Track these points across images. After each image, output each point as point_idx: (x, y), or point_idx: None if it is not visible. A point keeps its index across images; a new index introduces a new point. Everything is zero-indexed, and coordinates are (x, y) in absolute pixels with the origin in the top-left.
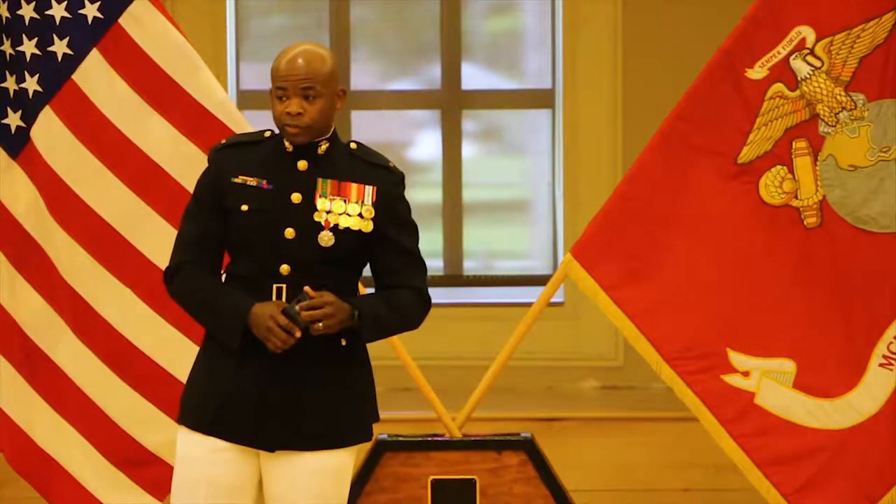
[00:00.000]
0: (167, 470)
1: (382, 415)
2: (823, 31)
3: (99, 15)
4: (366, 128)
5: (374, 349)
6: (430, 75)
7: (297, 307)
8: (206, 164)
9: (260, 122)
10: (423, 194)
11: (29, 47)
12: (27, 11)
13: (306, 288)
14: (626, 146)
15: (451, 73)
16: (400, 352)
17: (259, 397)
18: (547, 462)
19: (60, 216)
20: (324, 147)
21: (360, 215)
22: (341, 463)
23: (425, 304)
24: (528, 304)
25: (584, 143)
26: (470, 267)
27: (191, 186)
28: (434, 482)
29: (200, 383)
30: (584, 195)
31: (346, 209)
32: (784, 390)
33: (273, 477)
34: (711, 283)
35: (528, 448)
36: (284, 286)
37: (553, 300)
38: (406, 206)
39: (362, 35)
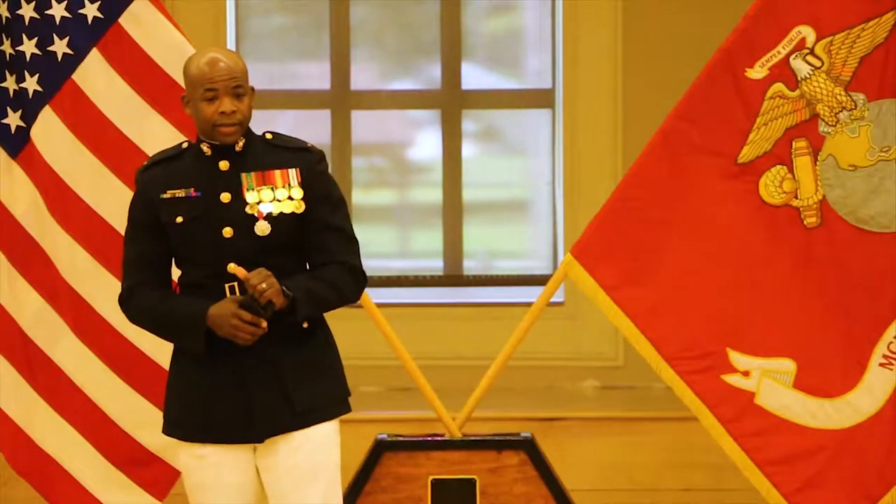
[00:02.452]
0: (167, 470)
1: (382, 415)
2: (823, 30)
3: (99, 14)
4: (366, 128)
5: (374, 349)
6: (430, 75)
7: (252, 294)
8: None
9: (260, 121)
10: (423, 194)
11: (29, 47)
12: (27, 11)
13: (230, 265)
14: (626, 146)
15: (451, 73)
16: (400, 352)
17: (239, 394)
18: (547, 462)
19: (60, 216)
20: (241, 143)
21: (290, 198)
22: (328, 433)
23: (357, 279)
24: (528, 304)
25: (584, 143)
26: (470, 267)
27: None
28: (434, 482)
29: (180, 395)
30: (584, 195)
31: (275, 196)
32: (784, 390)
33: (268, 465)
34: (711, 283)
35: (528, 448)
36: (235, 284)
37: (553, 300)
38: (331, 183)
39: (362, 35)
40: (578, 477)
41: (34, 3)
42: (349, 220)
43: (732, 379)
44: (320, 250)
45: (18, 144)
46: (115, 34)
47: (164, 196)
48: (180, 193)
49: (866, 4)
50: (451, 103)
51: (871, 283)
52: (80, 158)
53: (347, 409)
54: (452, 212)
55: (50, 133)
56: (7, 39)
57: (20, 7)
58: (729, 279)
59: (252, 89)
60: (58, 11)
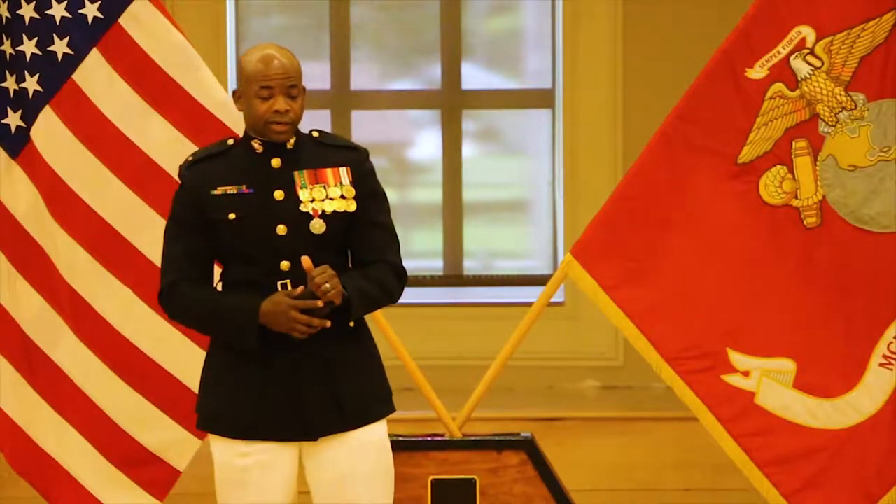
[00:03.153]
0: (167, 470)
1: None
2: (823, 30)
3: (99, 15)
4: (366, 128)
5: None
6: (430, 75)
7: (308, 286)
8: None
9: None
10: (423, 194)
11: (29, 47)
12: (27, 11)
13: (304, 258)
14: (626, 146)
15: (451, 73)
16: (400, 352)
17: (290, 391)
18: (547, 462)
19: (60, 216)
20: (292, 141)
21: (343, 196)
22: (380, 435)
23: (401, 279)
24: (528, 304)
25: (584, 143)
26: (470, 267)
27: None
28: (434, 482)
29: (226, 390)
30: (584, 195)
31: (327, 194)
32: (784, 390)
33: (319, 465)
34: (711, 283)
35: (528, 448)
36: (288, 282)
37: (553, 300)
38: (377, 181)
39: (362, 35)
40: (578, 477)
41: (34, 3)
42: (391, 216)
43: (732, 379)
44: (368, 248)
45: (18, 144)
46: (116, 34)
47: (215, 192)
48: (232, 190)
49: (866, 4)
50: (451, 103)
51: (871, 283)
52: (80, 158)
53: (393, 409)
54: (452, 212)
55: (50, 133)
56: (7, 39)
57: (20, 7)
58: (729, 279)
59: (304, 89)
60: (58, 11)
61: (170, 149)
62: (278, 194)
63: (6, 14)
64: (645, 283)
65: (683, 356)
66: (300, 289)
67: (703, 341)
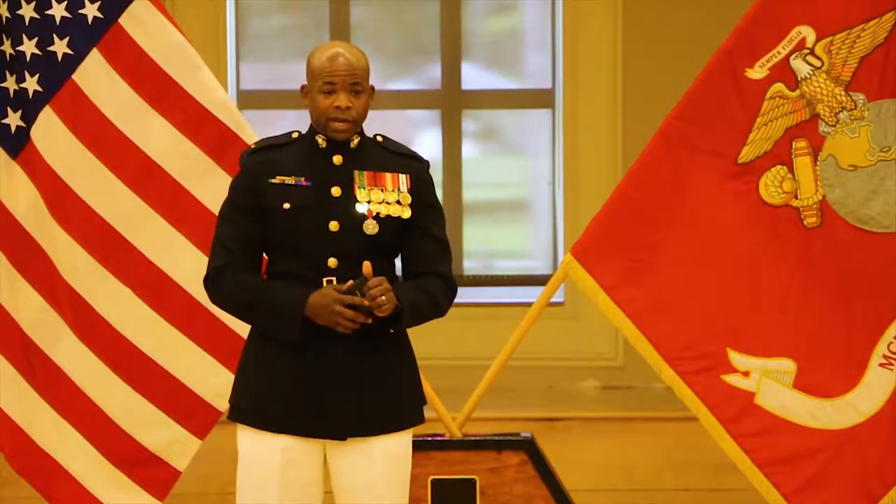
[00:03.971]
0: (167, 470)
1: None
2: (823, 30)
3: (99, 15)
4: (366, 128)
5: None
6: (430, 75)
7: (361, 287)
8: (205, 164)
9: (260, 121)
10: None
11: (29, 47)
12: (27, 11)
13: (366, 263)
14: (626, 146)
15: (451, 73)
16: None
17: (324, 389)
18: (547, 462)
19: (60, 216)
20: (356, 141)
21: (399, 202)
22: (404, 446)
23: (452, 292)
24: (528, 304)
25: (584, 143)
26: (470, 267)
27: (191, 186)
28: (434, 482)
29: (259, 381)
30: (584, 195)
31: (384, 198)
32: (784, 390)
33: (344, 467)
34: (711, 283)
35: (528, 448)
36: (334, 279)
37: (553, 300)
38: (435, 193)
39: (362, 35)
40: (578, 477)
41: (34, 3)
42: (445, 233)
43: (732, 379)
44: (420, 258)
45: (18, 144)
46: (115, 34)
47: (273, 181)
48: (290, 180)
49: (866, 4)
50: (451, 103)
51: (871, 283)
52: (80, 158)
53: (421, 420)
54: (452, 212)
55: (50, 133)
56: (7, 39)
57: (20, 7)
58: (729, 279)
59: (372, 88)
60: (58, 11)
61: (170, 149)
62: (335, 191)
63: (6, 14)
64: (645, 283)
65: (683, 356)
66: (349, 283)
67: (703, 341)
